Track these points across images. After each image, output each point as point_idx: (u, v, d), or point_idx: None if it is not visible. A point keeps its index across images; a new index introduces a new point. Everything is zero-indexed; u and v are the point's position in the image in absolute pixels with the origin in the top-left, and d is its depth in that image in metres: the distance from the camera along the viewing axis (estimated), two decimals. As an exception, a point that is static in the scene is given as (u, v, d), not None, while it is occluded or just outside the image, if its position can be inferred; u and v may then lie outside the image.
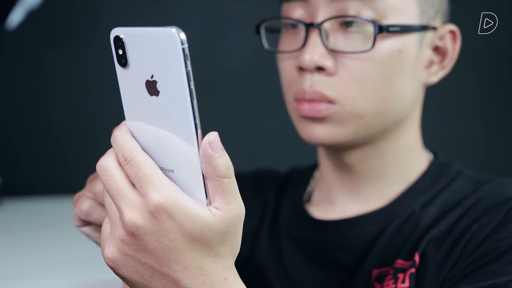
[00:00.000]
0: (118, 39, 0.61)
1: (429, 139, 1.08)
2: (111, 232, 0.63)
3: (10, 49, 2.16)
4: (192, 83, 0.58)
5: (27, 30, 2.11)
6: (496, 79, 2.24)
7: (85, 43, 2.17)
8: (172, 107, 0.59)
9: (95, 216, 0.76)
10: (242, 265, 0.92)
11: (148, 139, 0.62)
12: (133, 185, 0.61)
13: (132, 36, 0.60)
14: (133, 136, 0.63)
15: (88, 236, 0.79)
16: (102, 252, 0.63)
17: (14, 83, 2.19)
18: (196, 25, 2.14)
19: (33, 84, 2.19)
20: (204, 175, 0.60)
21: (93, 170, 0.81)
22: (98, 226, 0.78)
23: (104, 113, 2.04)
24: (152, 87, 0.60)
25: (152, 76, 0.60)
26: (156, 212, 0.59)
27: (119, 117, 0.65)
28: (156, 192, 0.59)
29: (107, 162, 0.62)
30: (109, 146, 0.64)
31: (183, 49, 0.57)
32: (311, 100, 0.88)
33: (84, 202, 0.76)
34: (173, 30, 0.57)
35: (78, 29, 2.18)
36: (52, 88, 2.19)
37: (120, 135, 0.62)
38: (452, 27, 0.92)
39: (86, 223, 0.78)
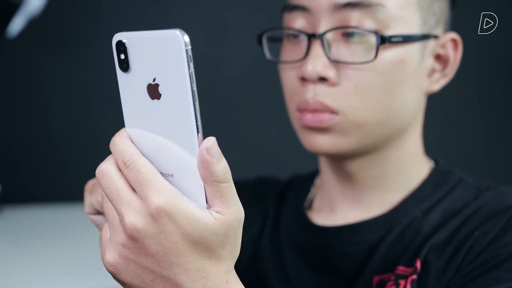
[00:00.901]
0: (120, 44, 0.61)
1: (429, 146, 1.08)
2: (111, 237, 0.63)
3: (10, 56, 2.17)
4: (194, 85, 0.58)
5: (27, 37, 2.12)
6: (497, 87, 2.24)
7: (85, 50, 2.18)
8: (174, 110, 0.60)
9: None
10: (244, 272, 0.92)
11: (147, 145, 0.62)
12: (133, 190, 0.61)
13: (135, 40, 0.61)
14: (132, 142, 0.63)
15: (97, 225, 0.79)
16: (102, 258, 0.63)
17: (14, 90, 2.20)
18: (196, 33, 2.14)
19: (33, 91, 2.19)
20: (202, 180, 0.60)
21: (93, 177, 0.81)
22: None
23: (104, 120, 2.04)
24: (153, 91, 0.60)
25: (154, 80, 0.60)
26: (157, 215, 0.59)
27: (119, 124, 0.65)
28: (157, 195, 0.59)
29: (107, 167, 0.62)
30: (109, 153, 0.64)
31: (187, 50, 0.58)
32: (314, 111, 0.88)
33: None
34: (177, 32, 0.57)
35: (78, 36, 2.19)
36: (52, 95, 2.20)
37: (119, 140, 0.63)
38: (454, 35, 0.93)
39: (99, 212, 0.78)
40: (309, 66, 0.86)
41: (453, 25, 0.96)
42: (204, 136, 0.60)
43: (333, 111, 0.87)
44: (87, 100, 2.20)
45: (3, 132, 2.20)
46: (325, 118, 0.87)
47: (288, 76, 0.92)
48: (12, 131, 2.20)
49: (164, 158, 0.61)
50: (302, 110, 0.89)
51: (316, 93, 0.87)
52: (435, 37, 0.90)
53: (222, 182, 0.60)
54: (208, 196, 0.60)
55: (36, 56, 2.17)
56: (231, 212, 0.61)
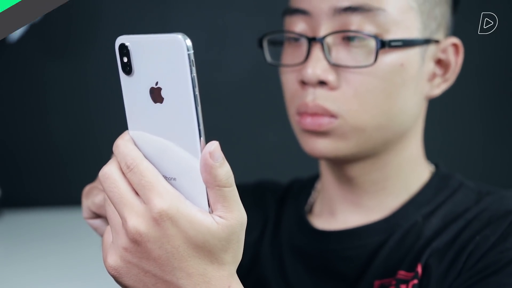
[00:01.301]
0: (123, 47, 0.61)
1: (430, 151, 1.08)
2: (114, 241, 0.63)
3: (10, 60, 2.17)
4: (197, 89, 0.58)
5: (27, 41, 2.12)
6: (498, 91, 2.24)
7: (85, 54, 2.18)
8: (176, 114, 0.60)
9: None
10: (244, 276, 0.92)
11: (150, 148, 0.62)
12: (136, 193, 0.61)
13: (138, 43, 0.61)
14: (136, 145, 0.63)
15: (96, 229, 0.79)
16: (104, 261, 0.63)
17: (15, 94, 2.20)
18: (196, 38, 2.14)
19: (34, 95, 2.20)
20: (205, 184, 0.60)
21: (94, 181, 0.81)
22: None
23: (105, 123, 2.04)
24: (156, 94, 0.60)
25: (156, 83, 0.60)
26: (159, 219, 0.59)
27: (120, 128, 0.65)
28: (160, 199, 0.59)
29: (110, 170, 0.62)
30: (110, 156, 0.64)
31: (189, 55, 0.58)
32: (314, 114, 0.88)
33: (98, 195, 0.76)
34: (179, 36, 0.57)
35: (78, 40, 2.19)
36: (52, 99, 2.20)
37: (122, 144, 0.63)
38: (455, 40, 0.93)
39: (97, 215, 0.78)
40: (309, 69, 0.86)
41: (455, 29, 0.96)
42: (207, 140, 0.60)
43: (332, 115, 0.87)
44: (87, 104, 2.21)
45: (4, 136, 2.20)
46: (324, 122, 0.87)
47: (288, 80, 0.92)
48: (12, 135, 2.20)
49: (167, 162, 0.61)
50: (301, 113, 0.89)
51: (316, 97, 0.87)
52: (436, 41, 0.90)
53: (225, 187, 0.60)
54: (211, 201, 0.60)
55: (36, 60, 2.18)
56: (233, 217, 0.60)
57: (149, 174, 0.60)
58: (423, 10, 0.88)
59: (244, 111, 2.22)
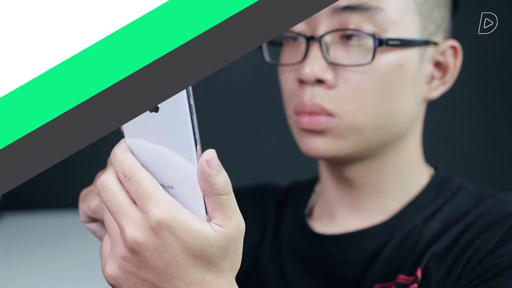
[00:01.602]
0: None
1: (429, 153, 1.08)
2: (112, 250, 0.63)
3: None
4: (191, 98, 0.58)
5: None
6: (498, 94, 2.24)
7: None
8: (172, 124, 0.60)
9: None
10: (244, 280, 0.92)
11: (148, 156, 0.62)
12: (134, 202, 0.61)
13: None
14: (133, 153, 0.63)
15: (94, 233, 0.79)
16: (103, 270, 0.63)
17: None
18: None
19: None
20: (202, 192, 0.60)
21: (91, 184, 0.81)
22: None
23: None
24: None
25: None
26: (157, 228, 0.59)
27: (119, 132, 0.65)
28: (157, 208, 0.59)
29: (107, 179, 0.62)
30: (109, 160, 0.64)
31: None
32: (311, 113, 0.88)
33: (93, 200, 0.76)
34: None
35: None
36: (52, 102, 2.20)
37: (119, 152, 0.63)
38: (454, 42, 0.92)
39: (93, 219, 0.78)
40: (306, 68, 0.86)
41: (454, 33, 0.96)
42: (204, 147, 0.60)
43: (329, 114, 0.87)
44: (87, 106, 2.20)
45: (3, 138, 2.20)
46: (321, 121, 0.87)
47: (287, 79, 0.92)
48: (12, 137, 2.20)
49: (164, 170, 0.61)
50: (299, 112, 0.89)
51: (314, 96, 0.87)
52: (435, 43, 0.90)
53: (222, 195, 0.60)
54: (209, 209, 0.60)
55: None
56: (231, 225, 0.61)
57: (147, 183, 0.60)
58: (422, 11, 0.88)
59: (244, 113, 2.22)
